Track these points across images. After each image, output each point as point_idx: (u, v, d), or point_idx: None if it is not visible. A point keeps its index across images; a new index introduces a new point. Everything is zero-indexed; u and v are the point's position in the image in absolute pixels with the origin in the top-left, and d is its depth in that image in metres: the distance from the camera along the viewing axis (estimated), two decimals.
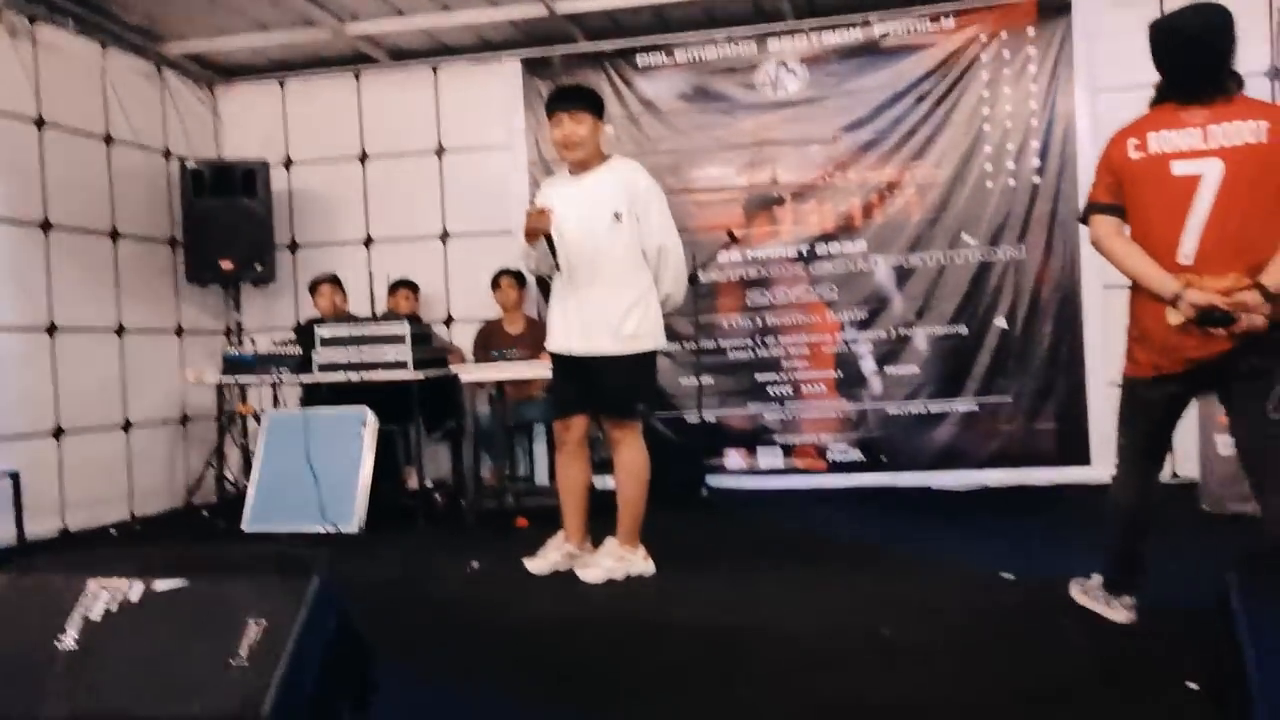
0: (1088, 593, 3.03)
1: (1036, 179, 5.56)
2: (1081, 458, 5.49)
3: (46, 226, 5.11)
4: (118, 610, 1.76)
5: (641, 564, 3.79)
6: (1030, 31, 5.53)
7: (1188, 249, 2.59)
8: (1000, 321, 5.62)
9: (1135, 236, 2.70)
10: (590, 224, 3.64)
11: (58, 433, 5.10)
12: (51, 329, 5.13)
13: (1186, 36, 2.69)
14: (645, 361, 3.73)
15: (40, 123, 5.13)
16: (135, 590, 1.78)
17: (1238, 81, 2.66)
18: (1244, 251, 2.55)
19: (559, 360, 3.82)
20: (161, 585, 1.79)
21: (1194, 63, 2.67)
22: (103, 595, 1.77)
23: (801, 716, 2.39)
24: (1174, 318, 2.59)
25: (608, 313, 3.63)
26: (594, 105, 3.74)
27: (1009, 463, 5.58)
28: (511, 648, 3.00)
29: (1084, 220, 2.87)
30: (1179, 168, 2.62)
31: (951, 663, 2.71)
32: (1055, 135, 5.52)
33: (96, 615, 1.76)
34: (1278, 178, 2.55)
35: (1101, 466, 5.39)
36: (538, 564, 3.86)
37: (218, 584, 1.81)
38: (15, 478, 4.17)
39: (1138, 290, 2.73)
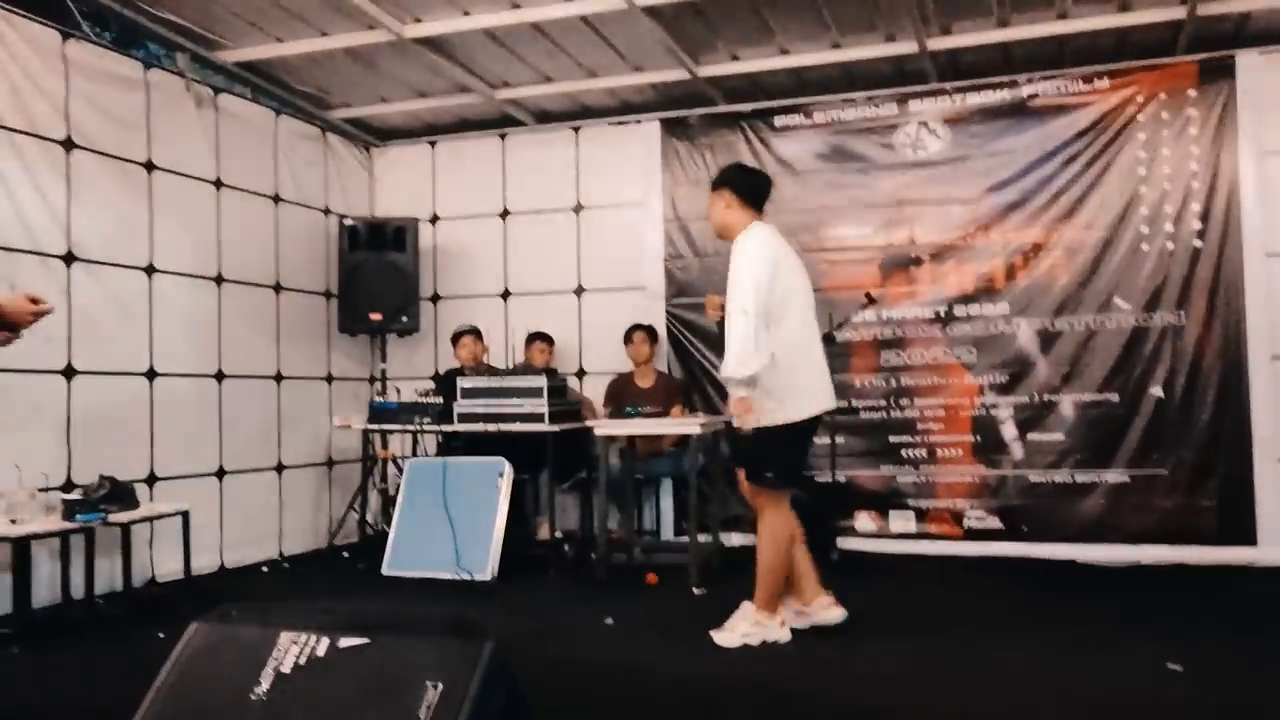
0: None
1: (1198, 242, 5.32)
2: (1246, 538, 5.15)
3: (220, 280, 5.48)
4: (306, 664, 1.84)
5: (777, 631, 3.74)
6: (1191, 93, 5.34)
7: None
8: (1156, 390, 5.37)
9: None
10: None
11: (220, 473, 5.39)
12: (220, 375, 5.46)
13: None
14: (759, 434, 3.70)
15: (219, 184, 5.52)
16: (322, 645, 1.86)
17: None
18: None
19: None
20: (346, 642, 1.87)
21: None
22: (293, 649, 1.86)
23: None
24: None
25: None
26: (716, 183, 3.93)
27: (1164, 539, 5.28)
28: (649, 710, 2.99)
29: None
30: None
31: None
32: (1218, 198, 5.28)
33: (287, 668, 1.84)
34: None
35: (1268, 547, 5.07)
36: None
37: (398, 643, 1.87)
38: (185, 516, 4.42)
39: None
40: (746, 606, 3.77)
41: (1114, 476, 5.41)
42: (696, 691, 3.20)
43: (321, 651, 1.85)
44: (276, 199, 5.98)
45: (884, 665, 3.46)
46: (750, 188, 3.89)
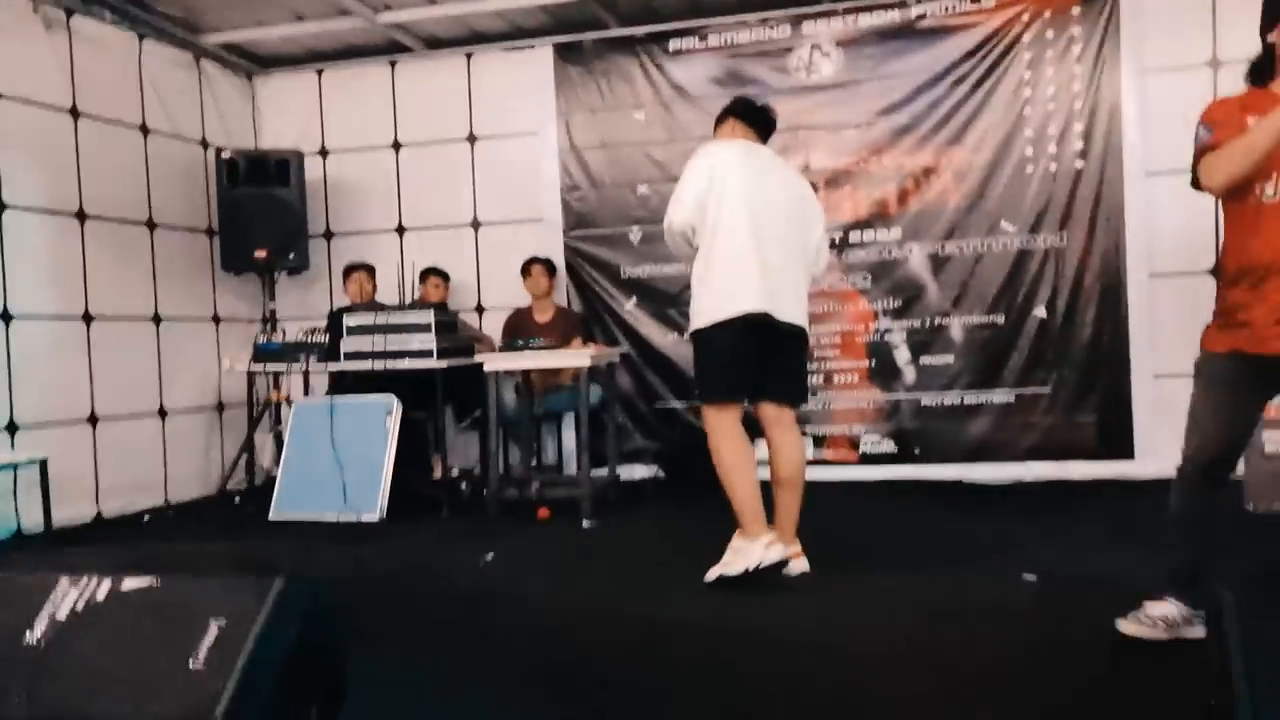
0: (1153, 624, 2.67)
1: (1080, 163, 5.36)
2: (1124, 451, 5.31)
3: (82, 216, 5.21)
4: (84, 609, 1.77)
5: (760, 552, 3.38)
6: (1075, 11, 5.33)
7: None
8: (1040, 311, 5.45)
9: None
10: None
11: (93, 420, 5.21)
12: (88, 317, 5.23)
13: None
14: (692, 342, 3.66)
15: (75, 113, 5.22)
16: (103, 589, 1.79)
17: None
18: None
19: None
20: (129, 584, 1.79)
21: None
22: (71, 593, 1.78)
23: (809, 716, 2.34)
24: None
25: None
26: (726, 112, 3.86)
27: (1047, 456, 5.41)
28: (512, 645, 2.98)
29: (1196, 178, 2.59)
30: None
31: (956, 671, 2.62)
32: (1100, 119, 5.31)
33: (63, 614, 1.76)
34: None
35: (1145, 461, 5.21)
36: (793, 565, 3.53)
37: (183, 583, 1.81)
38: (43, 465, 4.26)
39: None
40: (734, 538, 3.48)
41: (1000, 397, 5.51)
42: (559, 622, 3.20)
43: (102, 595, 1.78)
44: (145, 129, 5.69)
45: (756, 590, 3.49)
46: (749, 114, 3.83)
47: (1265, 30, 2.52)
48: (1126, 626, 2.67)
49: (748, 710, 2.43)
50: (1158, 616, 2.64)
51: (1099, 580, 3.34)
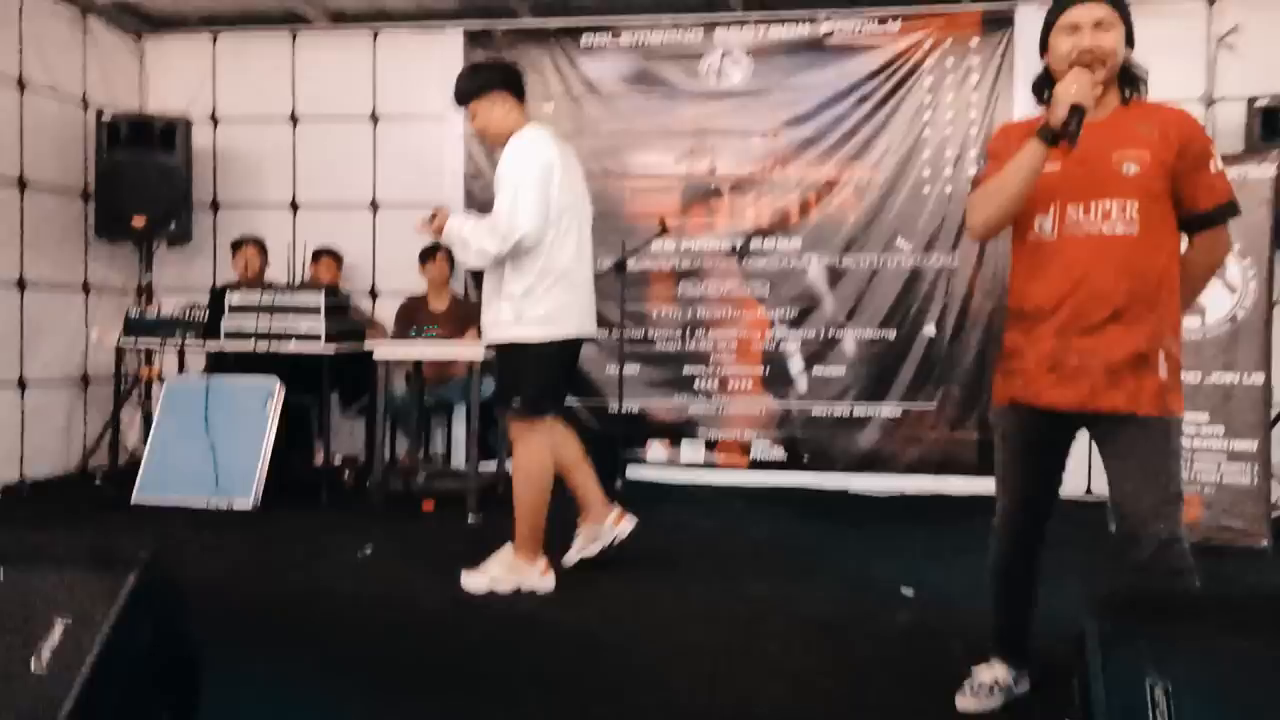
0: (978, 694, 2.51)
1: (1048, 137, 5.50)
2: None
3: None
4: None
5: (537, 580, 3.47)
6: (974, 41, 5.49)
7: None
8: (929, 329, 5.60)
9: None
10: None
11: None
12: None
13: None
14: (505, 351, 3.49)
15: None
16: None
17: None
18: None
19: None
20: None
21: None
22: None
23: None
24: None
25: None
26: (470, 93, 3.44)
27: (930, 469, 5.56)
28: (384, 643, 2.89)
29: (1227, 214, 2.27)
30: None
31: (825, 682, 2.65)
32: None
33: None
34: None
35: None
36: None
37: (28, 576, 1.67)
38: None
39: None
40: (506, 549, 3.51)
41: (888, 410, 5.64)
42: (432, 621, 3.13)
43: None
44: (20, 84, 5.33)
45: (638, 594, 3.48)
46: (521, 87, 3.51)
47: (1042, 52, 2.32)
48: (964, 703, 2.48)
49: (614, 702, 2.40)
50: (988, 682, 2.50)
51: (970, 597, 3.43)
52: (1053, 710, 2.31)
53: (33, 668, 1.57)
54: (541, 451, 3.45)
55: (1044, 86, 2.28)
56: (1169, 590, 2.10)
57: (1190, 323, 4.32)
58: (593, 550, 3.70)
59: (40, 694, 1.53)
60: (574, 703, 2.47)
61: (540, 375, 3.39)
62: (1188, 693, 1.50)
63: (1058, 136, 2.13)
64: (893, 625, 3.15)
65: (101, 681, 1.56)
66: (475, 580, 3.45)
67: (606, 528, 3.72)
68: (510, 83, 3.46)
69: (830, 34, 5.63)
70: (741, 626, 3.13)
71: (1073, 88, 2.13)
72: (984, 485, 5.30)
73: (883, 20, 5.57)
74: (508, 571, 3.43)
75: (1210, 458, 4.44)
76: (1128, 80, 2.25)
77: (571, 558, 3.70)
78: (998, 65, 5.46)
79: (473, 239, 3.34)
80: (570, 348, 3.50)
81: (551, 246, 3.33)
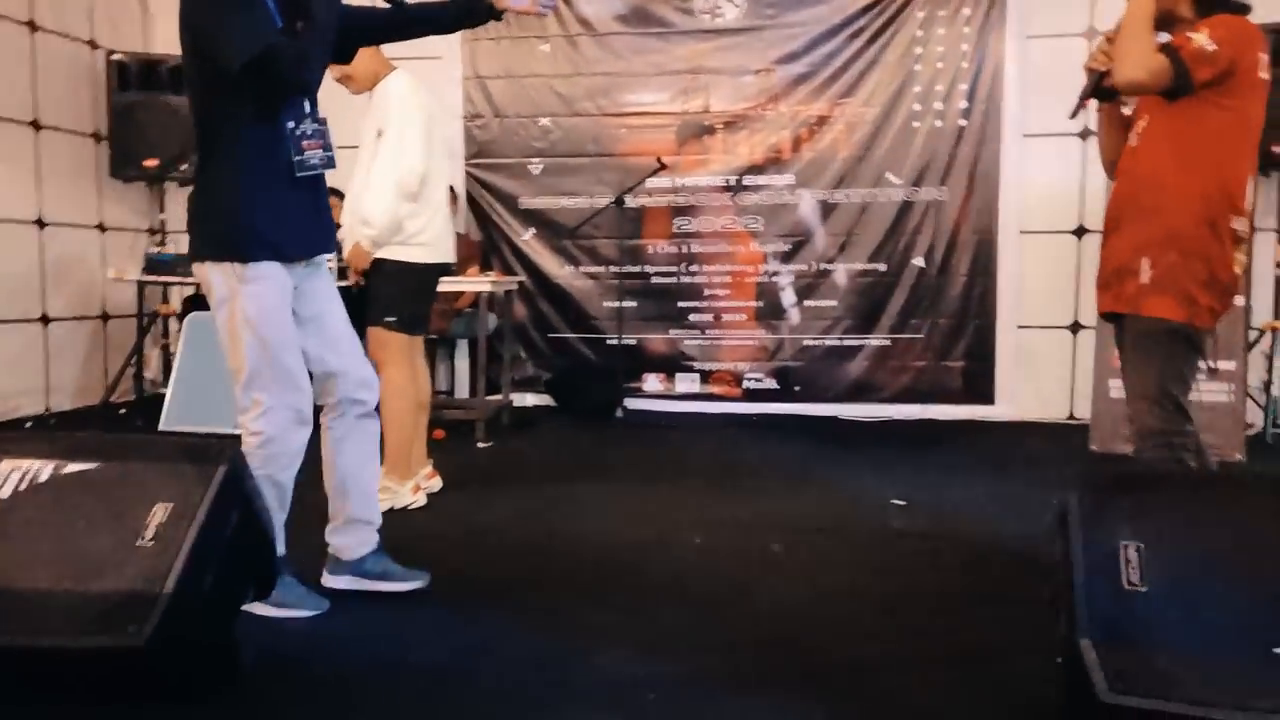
0: None
1: (963, 122, 5.69)
2: (986, 397, 5.74)
3: None
4: (27, 489, 1.84)
5: (408, 496, 3.61)
6: None
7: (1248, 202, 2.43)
8: (918, 261, 5.80)
9: (1222, 159, 2.38)
10: (362, 151, 3.56)
11: None
12: None
13: None
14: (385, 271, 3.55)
15: None
16: (46, 471, 1.86)
17: None
18: None
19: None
20: (72, 467, 1.87)
21: None
22: (13, 475, 1.85)
23: (680, 620, 2.58)
24: (1240, 263, 2.43)
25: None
26: None
27: (917, 398, 5.80)
28: (414, 553, 3.12)
29: (1178, 91, 2.36)
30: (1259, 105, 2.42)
31: (829, 578, 2.92)
32: (983, 80, 5.63)
33: (5, 493, 1.83)
34: None
35: (1004, 405, 5.67)
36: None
37: (128, 467, 1.90)
38: None
39: (1215, 227, 2.38)
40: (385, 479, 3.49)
41: (877, 341, 5.88)
42: (460, 533, 3.37)
43: (45, 477, 1.85)
44: (32, 26, 5.41)
45: (650, 508, 3.73)
46: None
47: None
48: None
49: (643, 605, 2.66)
50: None
51: (958, 506, 3.70)
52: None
53: (139, 544, 1.79)
54: (409, 371, 3.58)
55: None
56: (1146, 468, 2.33)
57: None
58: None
59: (149, 565, 1.76)
60: (605, 602, 2.72)
61: (412, 293, 3.57)
62: (1156, 550, 1.73)
63: (1082, 97, 2.55)
64: (886, 529, 3.41)
65: (200, 556, 1.79)
66: None
67: (405, 492, 3.66)
68: None
69: None
70: (744, 531, 3.39)
71: (1091, 54, 2.52)
72: (971, 411, 5.67)
73: None
74: (380, 492, 3.37)
75: None
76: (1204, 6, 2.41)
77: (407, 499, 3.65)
78: (989, 1, 5.59)
79: (385, 217, 3.44)
80: (439, 271, 3.68)
81: (428, 182, 3.53)
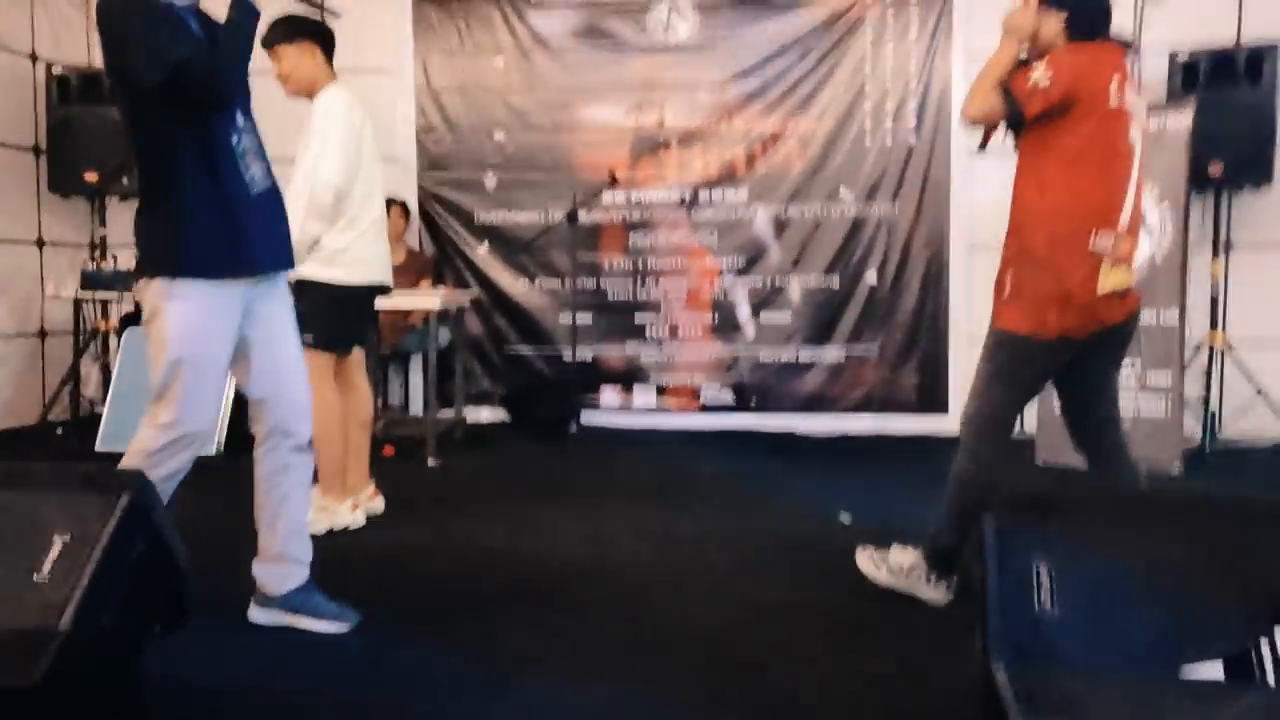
0: (897, 573, 2.82)
1: (912, 139, 5.73)
2: (940, 407, 5.77)
3: None
4: None
5: (347, 515, 3.58)
6: None
7: (1125, 215, 2.52)
8: (871, 276, 5.82)
9: (1079, 182, 2.52)
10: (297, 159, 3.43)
11: None
12: None
13: None
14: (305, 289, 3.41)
15: None
16: None
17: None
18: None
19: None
20: None
21: None
22: None
23: (616, 643, 2.54)
24: (1112, 281, 2.50)
25: None
26: (279, 36, 3.41)
27: (872, 409, 5.83)
28: (346, 576, 3.06)
29: (1016, 124, 2.63)
30: (1133, 132, 2.56)
31: (771, 596, 2.89)
32: (932, 98, 5.68)
33: None
34: None
35: (957, 416, 5.66)
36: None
37: (26, 498, 1.82)
38: None
39: (1065, 245, 2.53)
40: (313, 494, 3.34)
41: (832, 355, 5.88)
42: (400, 552, 3.31)
43: None
44: None
45: (597, 526, 3.68)
46: (331, 43, 3.54)
47: None
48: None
49: (580, 628, 2.61)
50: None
51: (904, 522, 3.68)
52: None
53: (35, 579, 1.72)
54: (330, 388, 3.49)
55: None
56: (1063, 490, 2.35)
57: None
58: (316, 527, 3.34)
59: (44, 602, 1.69)
60: (540, 624, 2.67)
61: (339, 314, 3.49)
62: (1068, 572, 1.72)
63: None
64: (831, 546, 3.39)
65: (99, 591, 1.72)
66: None
67: (361, 498, 3.67)
68: (322, 38, 3.52)
69: None
70: (692, 550, 3.35)
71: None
72: (923, 424, 5.68)
73: None
74: (318, 513, 3.44)
75: (1127, 393, 4.73)
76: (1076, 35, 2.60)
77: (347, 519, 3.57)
78: (936, 20, 5.63)
79: (299, 234, 3.23)
80: (368, 292, 3.61)
81: (359, 200, 3.45)
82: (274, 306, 2.53)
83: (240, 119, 2.43)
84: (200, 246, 2.35)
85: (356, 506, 3.62)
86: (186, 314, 2.34)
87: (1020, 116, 2.54)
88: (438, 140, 6.13)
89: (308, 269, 3.40)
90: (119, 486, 1.82)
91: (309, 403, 2.63)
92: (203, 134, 2.33)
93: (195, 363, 2.36)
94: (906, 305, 5.80)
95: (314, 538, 3.32)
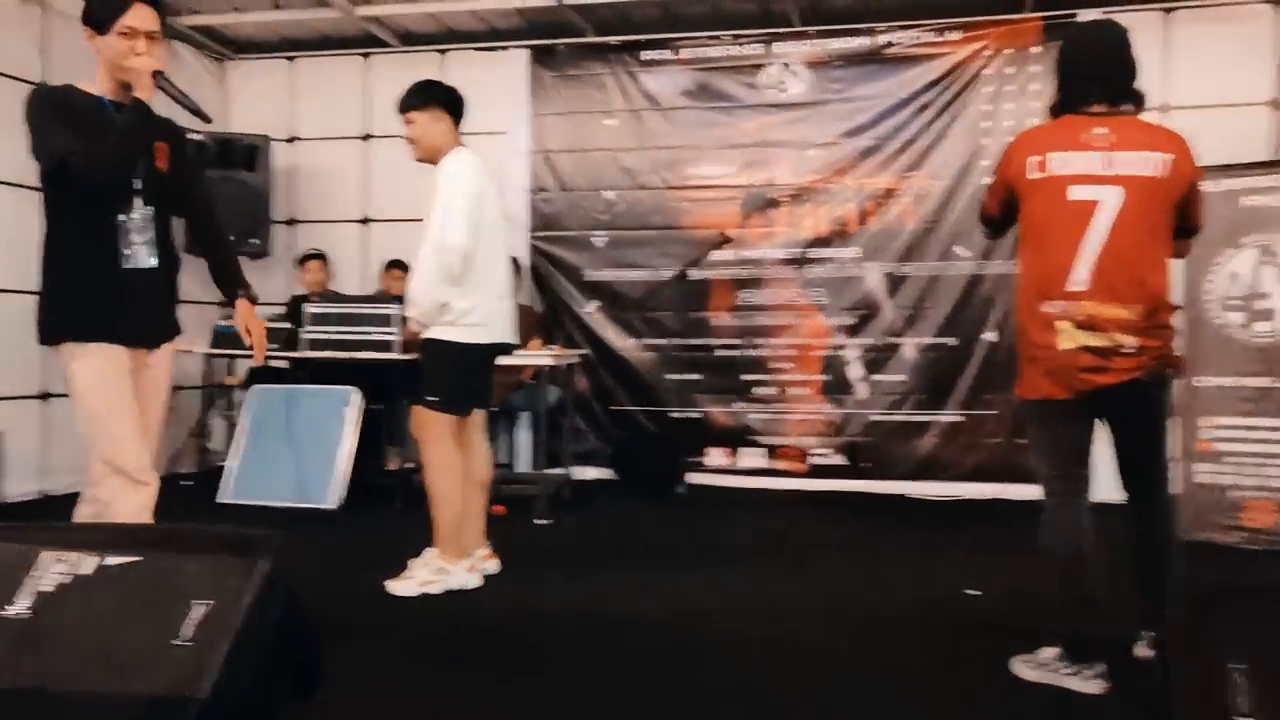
0: (1044, 667, 2.65)
1: None
2: None
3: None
4: (70, 582, 1.80)
5: (463, 576, 3.52)
6: (1035, 50, 5.53)
7: (1080, 275, 2.52)
8: (990, 334, 5.64)
9: (1027, 255, 2.69)
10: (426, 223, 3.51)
11: (44, 396, 5.15)
12: None
13: (1101, 39, 2.68)
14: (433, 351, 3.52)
15: None
16: (88, 564, 1.82)
17: (1140, 99, 2.64)
18: (1140, 282, 2.51)
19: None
20: (114, 560, 1.83)
21: (1105, 64, 2.63)
22: (55, 567, 1.81)
23: (737, 712, 2.44)
24: (1070, 340, 2.53)
25: None
26: (416, 101, 3.53)
27: (991, 477, 5.59)
28: (467, 638, 3.04)
29: (984, 223, 2.95)
30: (1076, 192, 2.54)
31: (899, 675, 2.74)
32: None
33: (48, 586, 1.79)
34: (1166, 210, 2.56)
35: None
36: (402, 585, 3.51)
37: (169, 562, 1.84)
38: None
39: (1025, 311, 2.66)
40: (429, 553, 3.51)
41: (948, 416, 5.69)
42: (516, 617, 3.27)
43: (88, 569, 1.81)
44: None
45: (710, 593, 3.59)
46: (460, 111, 3.62)
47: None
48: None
49: (697, 699, 2.52)
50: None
51: (1037, 598, 3.47)
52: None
53: (174, 643, 1.73)
54: (450, 450, 3.50)
55: None
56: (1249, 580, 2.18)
57: (1260, 326, 4.36)
58: (434, 588, 3.46)
59: (182, 667, 1.69)
60: (664, 692, 2.59)
61: (459, 374, 3.51)
62: (1268, 673, 1.57)
63: None
64: (959, 622, 3.22)
65: (239, 657, 1.72)
66: (404, 586, 3.45)
67: (459, 571, 3.57)
68: (453, 105, 3.61)
69: (889, 45, 5.72)
70: (808, 622, 3.22)
71: None
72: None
73: (941, 31, 5.64)
74: (435, 574, 3.47)
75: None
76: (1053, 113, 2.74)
77: (403, 588, 3.48)
78: None
79: (426, 299, 3.42)
80: (491, 352, 3.60)
81: (483, 262, 3.48)
82: (150, 373, 2.71)
83: (137, 201, 2.63)
84: (74, 313, 2.57)
85: (473, 569, 3.61)
86: (90, 369, 2.55)
87: (985, 219, 2.89)
88: (549, 200, 6.23)
89: (439, 330, 3.45)
90: (258, 550, 1.82)
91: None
92: (89, 211, 2.56)
93: (110, 409, 2.55)
94: None
95: (431, 598, 3.39)
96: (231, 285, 2.93)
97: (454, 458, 3.51)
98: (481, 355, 3.57)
